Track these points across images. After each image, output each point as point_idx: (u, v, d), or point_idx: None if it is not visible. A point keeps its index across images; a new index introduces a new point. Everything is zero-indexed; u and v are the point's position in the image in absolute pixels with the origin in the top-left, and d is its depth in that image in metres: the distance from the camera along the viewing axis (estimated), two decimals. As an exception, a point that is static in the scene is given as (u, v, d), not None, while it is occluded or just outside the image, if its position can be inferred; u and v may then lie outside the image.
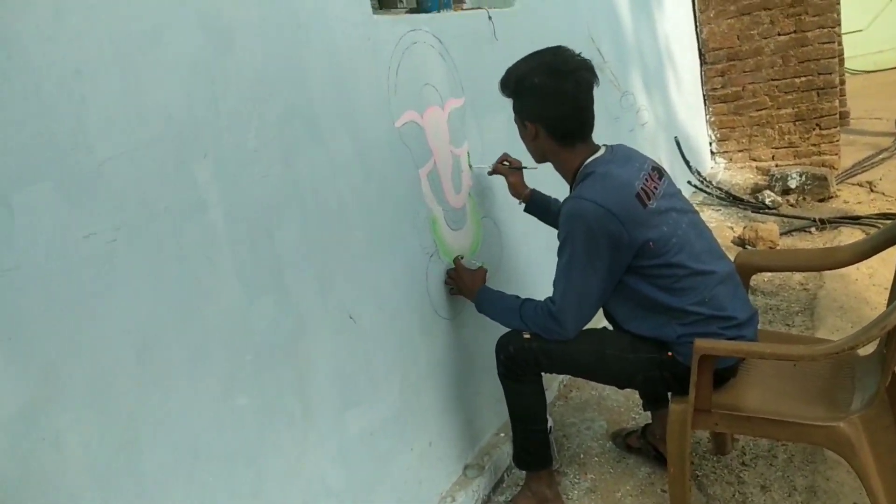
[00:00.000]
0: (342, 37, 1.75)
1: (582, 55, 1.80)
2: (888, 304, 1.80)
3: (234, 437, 1.41)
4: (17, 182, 1.06)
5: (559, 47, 1.81)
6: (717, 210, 4.70)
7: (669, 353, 1.80)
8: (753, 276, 2.14)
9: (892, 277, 2.94)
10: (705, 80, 5.38)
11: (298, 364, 1.58)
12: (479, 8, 2.48)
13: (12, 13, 1.06)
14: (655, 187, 1.79)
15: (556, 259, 1.77)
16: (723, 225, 4.42)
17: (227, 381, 1.40)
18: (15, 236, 1.05)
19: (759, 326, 1.90)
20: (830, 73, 4.99)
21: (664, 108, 4.48)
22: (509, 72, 1.84)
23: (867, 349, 1.83)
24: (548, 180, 2.15)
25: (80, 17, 1.16)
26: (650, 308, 1.80)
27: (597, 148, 1.85)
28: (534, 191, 2.25)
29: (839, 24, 5.29)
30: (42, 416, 1.08)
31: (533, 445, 1.98)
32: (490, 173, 2.25)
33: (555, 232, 2.17)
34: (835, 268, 2.02)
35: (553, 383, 2.70)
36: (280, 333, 1.53)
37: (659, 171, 1.87)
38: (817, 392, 1.77)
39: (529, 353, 1.86)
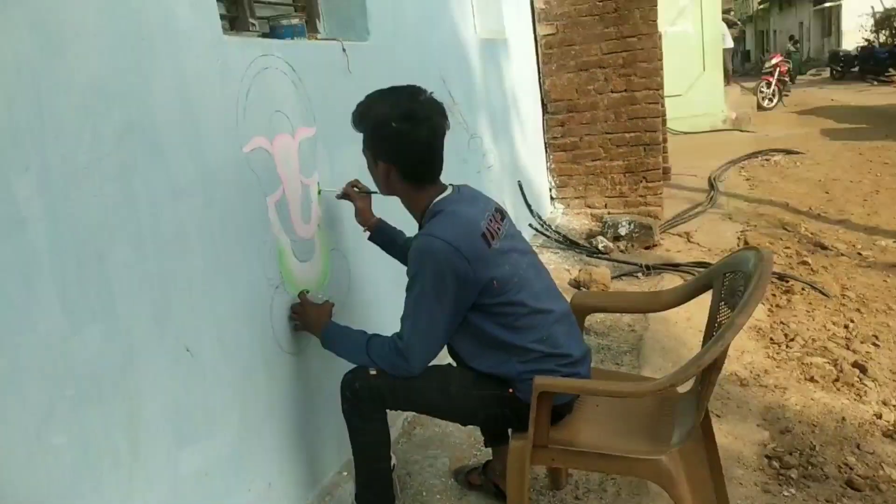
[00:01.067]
0: (190, 54, 1.67)
1: (433, 96, 1.83)
2: (702, 346, 1.97)
3: (48, 480, 1.27)
4: None
5: (415, 90, 1.83)
6: (556, 253, 4.94)
7: (511, 391, 1.84)
8: (587, 318, 2.25)
9: (706, 321, 3.21)
10: (547, 129, 5.68)
11: (127, 399, 1.45)
12: (333, 39, 2.47)
13: None
14: (498, 228, 1.85)
15: (404, 294, 1.77)
16: (560, 267, 4.65)
17: (42, 418, 1.26)
18: None
19: (591, 364, 1.99)
20: (655, 131, 5.45)
21: (509, 152, 4.68)
22: (364, 109, 1.83)
23: (685, 387, 1.97)
24: (398, 211, 2.16)
25: None
26: (492, 345, 1.84)
27: (444, 187, 1.89)
28: (380, 220, 2.25)
29: (662, 87, 5.81)
30: None
31: (376, 484, 1.95)
32: (339, 197, 2.23)
33: (401, 266, 2.18)
34: (658, 310, 2.18)
35: (398, 420, 2.68)
36: (108, 365, 1.40)
37: (501, 213, 1.93)
38: (642, 427, 1.88)
39: (375, 389, 1.83)
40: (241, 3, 2.19)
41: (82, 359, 1.35)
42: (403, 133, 1.77)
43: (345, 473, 2.30)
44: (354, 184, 2.23)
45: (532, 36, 5.44)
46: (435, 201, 1.85)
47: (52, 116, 1.29)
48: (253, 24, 2.22)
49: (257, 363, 1.90)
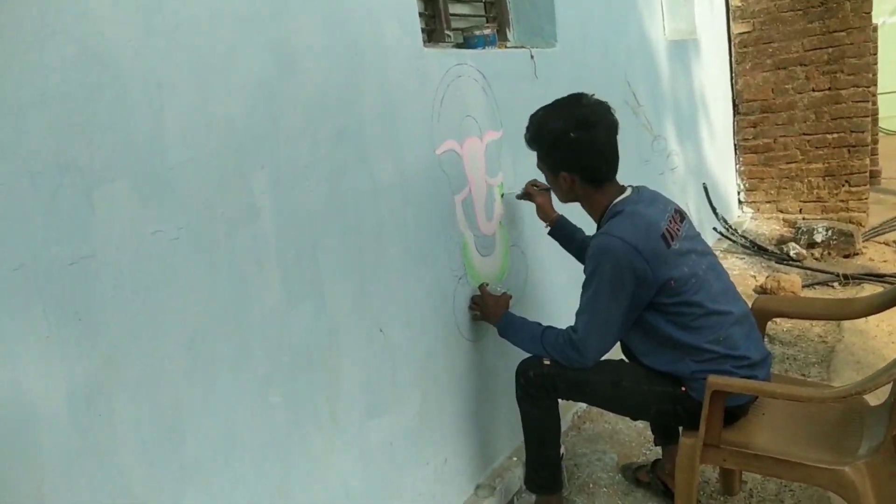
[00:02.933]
0: (394, 66, 1.87)
1: (596, 98, 1.90)
2: (901, 358, 1.86)
3: (267, 433, 1.50)
4: (99, 179, 1.17)
5: (578, 96, 1.90)
6: (742, 258, 4.74)
7: (683, 388, 1.87)
8: (773, 326, 2.20)
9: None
10: (737, 130, 5.45)
11: (330, 370, 1.67)
12: (522, 47, 2.60)
13: (108, 30, 1.19)
14: (678, 229, 1.88)
15: (581, 290, 1.85)
16: (746, 273, 4.47)
17: (264, 380, 1.49)
18: (93, 227, 1.16)
19: (773, 370, 1.95)
20: (863, 132, 5.04)
21: (695, 154, 4.56)
22: (538, 126, 1.91)
23: (878, 399, 1.88)
24: (573, 213, 2.24)
25: (166, 37, 1.28)
26: (666, 344, 1.87)
27: (623, 188, 1.95)
28: (560, 216, 2.34)
29: (875, 84, 5.34)
30: (101, 394, 1.18)
31: (545, 469, 2.05)
32: (519, 197, 2.35)
33: (576, 264, 2.26)
34: (849, 318, 2.08)
35: (567, 414, 2.76)
36: (316, 339, 1.63)
37: (681, 214, 1.95)
38: (825, 436, 1.82)
39: (548, 378, 1.93)
40: (439, 16, 2.38)
41: (296, 332, 1.58)
42: (583, 140, 1.85)
43: (514, 459, 2.42)
44: (534, 183, 2.33)
45: (726, 34, 5.25)
46: (615, 202, 1.91)
47: (282, 123, 1.53)
48: (448, 36, 2.41)
49: (439, 347, 2.07)
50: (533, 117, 1.95)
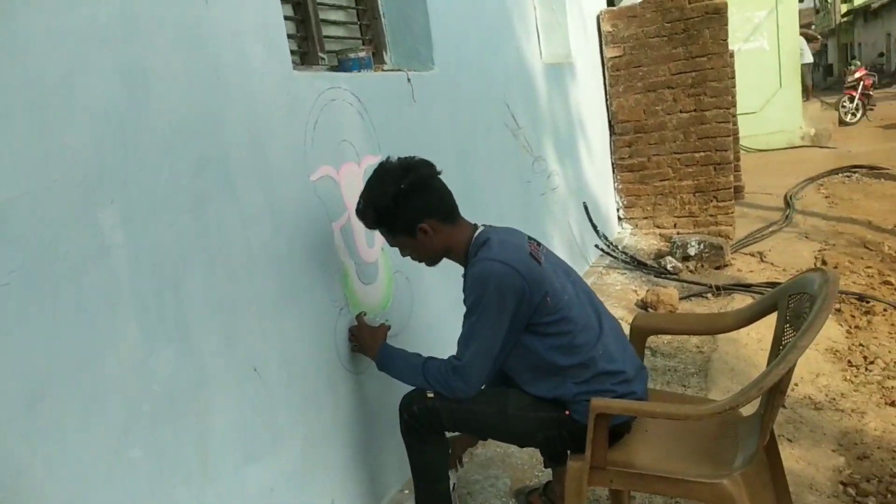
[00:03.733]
0: (261, 90, 1.78)
1: (401, 158, 1.88)
2: (767, 366, 1.94)
3: (127, 492, 1.36)
4: None
5: (383, 162, 1.88)
6: (623, 273, 4.90)
7: (567, 412, 1.86)
8: (654, 339, 2.25)
9: (771, 343, 3.13)
10: (614, 150, 5.67)
11: (199, 416, 1.55)
12: (399, 70, 2.56)
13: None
14: (538, 252, 1.90)
15: (463, 319, 1.82)
16: (627, 288, 4.61)
17: (121, 432, 1.36)
18: None
19: (658, 387, 1.99)
20: (726, 150, 5.36)
21: (575, 174, 4.69)
22: (368, 203, 1.85)
23: (749, 409, 1.94)
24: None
25: (-10, 57, 1.15)
26: (547, 369, 1.86)
27: (475, 225, 1.95)
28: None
29: (734, 106, 5.71)
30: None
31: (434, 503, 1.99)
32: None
33: (460, 290, 2.22)
34: (720, 332, 2.16)
35: (459, 440, 2.72)
36: (181, 384, 1.50)
37: (536, 242, 1.97)
38: (704, 450, 1.86)
39: (433, 412, 1.88)
40: (312, 38, 2.31)
41: (158, 378, 1.45)
42: (418, 181, 1.83)
43: (406, 492, 2.35)
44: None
45: (599, 58, 5.46)
46: (476, 235, 1.91)
47: (135, 155, 1.41)
48: (322, 58, 2.34)
49: (322, 382, 1.98)
50: (360, 204, 1.88)
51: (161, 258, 1.46)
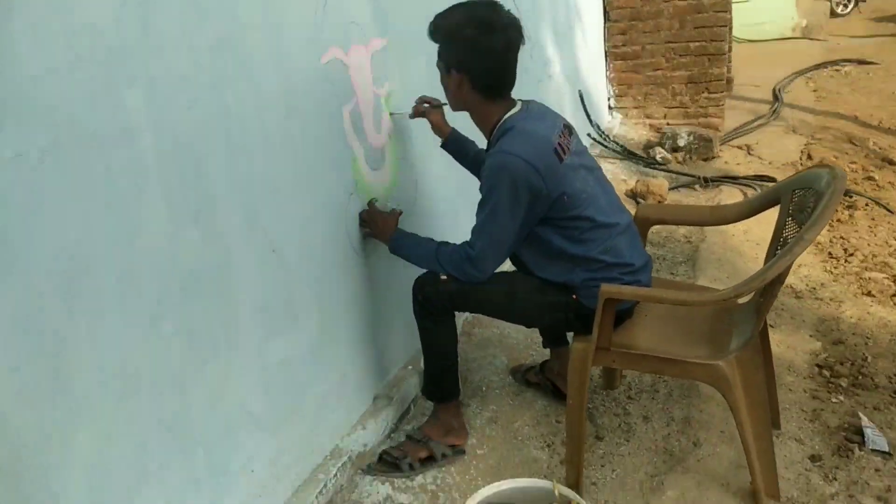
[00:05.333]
0: (273, -34, 1.71)
1: (511, 13, 1.85)
2: (766, 259, 2.02)
3: (161, 364, 1.42)
4: (-56, 96, 1.01)
5: (494, 2, 1.85)
6: (613, 163, 4.93)
7: (574, 296, 1.94)
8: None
9: (764, 235, 3.21)
10: (608, 37, 5.55)
11: (224, 294, 1.59)
12: (404, -54, 2.46)
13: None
14: (568, 144, 1.90)
15: (465, 203, 1.85)
16: (617, 178, 4.66)
17: (154, 309, 1.40)
18: (-57, 153, 1.01)
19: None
20: (721, 41, 5.29)
21: (570, 61, 4.62)
22: (441, 18, 1.86)
23: (743, 298, 2.04)
24: (466, 125, 2.22)
25: (11, -77, 1.09)
26: (558, 256, 1.92)
27: (513, 103, 1.93)
28: (453, 129, 2.30)
29: (732, -6, 5.59)
30: (-29, 338, 1.06)
31: (444, 380, 2.10)
32: (411, 117, 2.28)
33: (465, 175, 2.26)
34: (722, 223, 2.22)
35: (458, 321, 2.81)
36: (207, 263, 1.53)
37: (569, 129, 1.97)
38: (701, 334, 1.97)
39: (445, 294, 1.95)
40: None
41: (186, 257, 1.47)
42: (478, 40, 1.80)
43: (409, 368, 2.46)
44: (425, 100, 2.26)
45: (598, -61, 5.25)
46: (505, 118, 1.90)
47: (155, 30, 1.37)
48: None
49: (333, 264, 2.02)
50: (445, 9, 1.87)
51: (183, 139, 1.45)
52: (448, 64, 1.89)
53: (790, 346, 2.70)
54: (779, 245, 1.97)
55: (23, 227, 1.13)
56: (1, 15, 1.08)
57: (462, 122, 2.23)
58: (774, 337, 2.69)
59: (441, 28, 1.86)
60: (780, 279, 1.78)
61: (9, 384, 1.12)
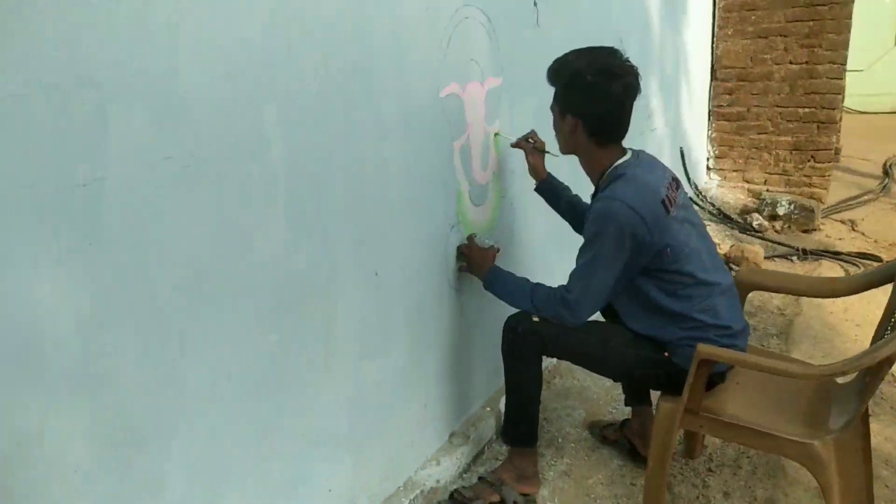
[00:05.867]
0: (406, 1, 1.77)
1: (630, 62, 1.86)
2: (873, 339, 1.92)
3: (263, 370, 1.47)
4: (115, 96, 1.09)
5: (613, 50, 1.87)
6: (708, 225, 4.80)
7: (666, 353, 1.89)
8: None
9: (865, 314, 3.07)
10: (713, 96, 5.47)
11: (327, 310, 1.63)
12: (527, -8, 2.51)
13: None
14: (675, 197, 1.88)
15: (579, 250, 1.85)
16: (710, 239, 4.54)
17: (265, 316, 1.45)
18: (106, 148, 1.09)
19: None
20: (833, 109, 5.12)
21: (674, 116, 4.57)
22: (563, 63, 1.88)
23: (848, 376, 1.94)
24: (563, 171, 2.23)
25: (189, -55, 1.18)
26: (654, 310, 1.89)
27: (624, 151, 1.93)
28: (549, 174, 2.31)
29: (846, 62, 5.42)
30: (107, 322, 1.13)
31: (524, 424, 2.07)
32: (513, 145, 2.29)
33: (560, 221, 2.26)
34: (831, 296, 2.13)
35: (538, 366, 2.79)
36: (315, 278, 1.58)
37: (677, 182, 1.95)
38: (797, 410, 1.88)
39: (536, 335, 1.94)
40: (446, -49, 2.27)
41: (298, 270, 1.53)
42: (597, 86, 1.81)
43: (488, 409, 2.45)
44: (531, 136, 2.28)
45: (711, -3, 5.22)
46: (615, 164, 1.90)
47: (296, 53, 1.44)
48: (454, -27, 2.30)
49: (429, 293, 2.05)
50: (564, 54, 1.90)
51: (308, 156, 1.52)
52: (564, 108, 1.91)
53: (888, 437, 2.54)
54: (889, 325, 1.87)
55: (161, 224, 1.20)
56: (169, 28, 1.16)
57: (565, 168, 2.24)
58: (872, 427, 2.54)
59: (561, 72, 1.88)
60: (889, 360, 1.69)
61: (131, 371, 1.17)
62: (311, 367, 1.61)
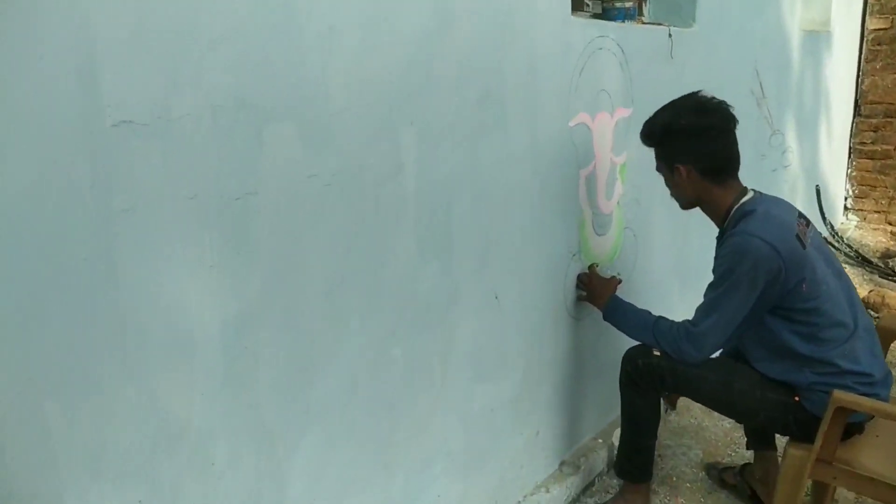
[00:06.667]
0: (541, 32, 1.82)
1: (717, 98, 1.84)
2: None
3: (384, 385, 1.53)
4: (270, 117, 1.19)
5: (695, 92, 1.86)
6: (844, 268, 4.54)
7: (797, 398, 1.81)
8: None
9: None
10: (855, 133, 5.17)
11: (447, 330, 1.68)
12: (660, 24, 2.50)
13: (293, -32, 1.19)
14: (806, 233, 1.81)
15: (707, 286, 1.81)
16: (846, 283, 4.28)
17: (389, 332, 1.51)
18: (260, 164, 1.18)
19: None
20: None
21: (810, 153, 4.36)
22: (652, 121, 1.88)
23: None
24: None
25: (344, -20, 1.27)
26: (785, 352, 1.81)
27: (745, 190, 1.88)
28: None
29: None
30: (249, 327, 1.21)
31: (638, 458, 2.03)
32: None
33: (682, 253, 2.20)
34: None
35: (654, 403, 2.72)
36: (438, 298, 1.63)
37: (806, 220, 1.88)
38: (945, 470, 1.74)
39: (657, 369, 1.90)
40: (580, -17, 2.31)
41: (422, 289, 1.58)
42: (694, 126, 1.79)
43: (600, 441, 2.41)
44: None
45: (859, 29, 4.95)
46: (742, 202, 1.85)
47: (434, 80, 1.51)
48: (587, 5, 2.33)
49: (547, 320, 2.05)
50: (648, 118, 1.90)
51: (440, 181, 1.57)
52: (670, 160, 1.87)
53: None
54: None
55: (305, 237, 1.28)
56: (323, 54, 1.25)
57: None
58: None
59: (654, 129, 1.87)
60: None
61: (267, 375, 1.26)
62: (428, 385, 1.65)
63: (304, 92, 1.23)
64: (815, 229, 1.91)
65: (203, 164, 1.09)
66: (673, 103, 1.88)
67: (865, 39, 5.00)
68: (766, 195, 1.90)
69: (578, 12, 2.29)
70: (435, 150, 1.54)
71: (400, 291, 1.52)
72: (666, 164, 1.90)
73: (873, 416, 1.83)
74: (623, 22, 2.29)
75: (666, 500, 2.27)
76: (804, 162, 4.24)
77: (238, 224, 1.16)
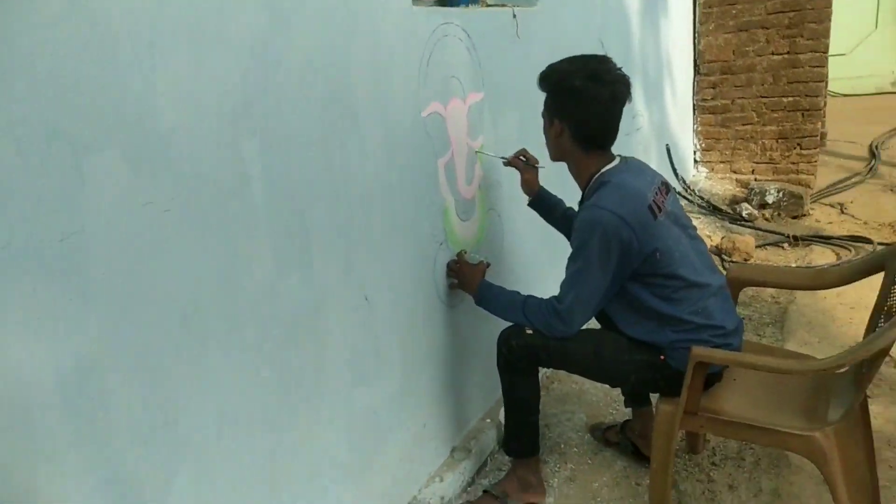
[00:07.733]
0: (385, 25, 1.79)
1: (622, 71, 1.87)
2: (867, 326, 1.94)
3: (258, 407, 1.47)
4: (89, 147, 1.09)
5: (605, 57, 1.89)
6: (697, 218, 4.84)
7: (662, 357, 1.91)
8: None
9: (858, 298, 3.09)
10: (697, 90, 5.50)
11: (317, 341, 1.64)
12: (503, 5, 2.53)
13: (97, -18, 1.09)
14: (663, 201, 1.89)
15: (567, 260, 1.86)
16: (702, 233, 4.56)
17: (255, 353, 1.45)
18: (83, 200, 1.09)
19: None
20: (817, 96, 5.16)
21: (658, 114, 4.59)
22: (553, 68, 1.90)
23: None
24: (551, 180, 2.24)
25: (158, -9, 1.19)
26: (647, 314, 1.90)
27: (612, 158, 1.94)
28: (542, 188, 2.32)
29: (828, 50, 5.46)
30: (93, 374, 1.12)
31: (524, 434, 2.08)
32: (505, 163, 2.30)
33: (551, 231, 2.27)
34: (821, 288, 2.15)
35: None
36: (304, 310, 1.59)
37: (666, 186, 1.96)
38: (795, 403, 1.89)
39: (531, 348, 1.94)
40: (419, -31, 2.29)
41: (285, 304, 1.53)
42: (584, 91, 1.82)
43: (488, 420, 2.46)
44: (522, 153, 2.28)
45: (691, -7, 5.24)
46: (602, 171, 1.90)
47: (274, 87, 1.45)
48: (429, -8, 2.32)
49: (420, 313, 2.05)
50: (556, 61, 1.92)
51: (291, 188, 1.52)
52: (552, 113, 1.92)
53: (889, 419, 2.56)
54: (882, 313, 1.89)
55: (147, 269, 1.20)
56: (145, 72, 1.17)
57: (553, 178, 2.25)
58: (873, 409, 2.55)
59: (550, 77, 1.90)
60: (885, 349, 1.70)
61: (122, 421, 1.18)
62: (306, 398, 1.61)
63: (127, 115, 1.15)
64: (675, 196, 1.99)
65: (12, 209, 0.99)
66: (579, 60, 1.88)
67: (697, 3, 5.30)
68: (630, 162, 1.96)
69: (420, 1, 2.28)
70: (282, 157, 1.49)
71: (261, 309, 1.46)
72: (547, 114, 1.95)
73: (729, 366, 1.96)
74: (467, 6, 2.30)
75: (556, 468, 2.35)
76: (654, 123, 4.47)
77: (65, 267, 1.07)
